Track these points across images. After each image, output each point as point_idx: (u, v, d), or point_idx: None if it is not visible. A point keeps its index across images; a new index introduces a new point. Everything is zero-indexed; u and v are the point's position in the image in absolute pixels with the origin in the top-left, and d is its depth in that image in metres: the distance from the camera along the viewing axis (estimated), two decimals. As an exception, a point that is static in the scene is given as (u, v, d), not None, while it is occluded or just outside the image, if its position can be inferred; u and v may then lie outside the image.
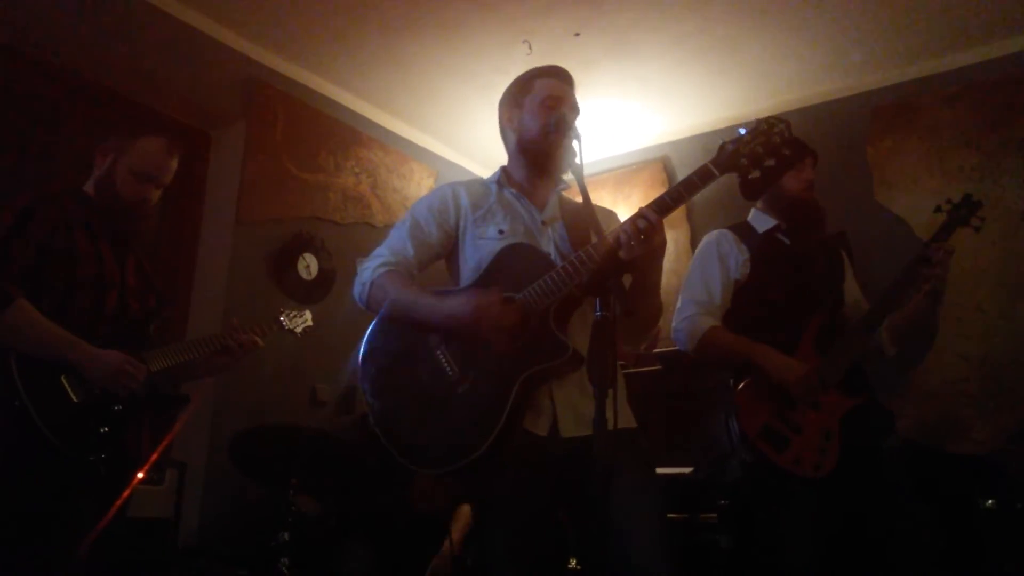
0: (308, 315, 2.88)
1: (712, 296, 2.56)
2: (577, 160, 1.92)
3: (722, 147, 1.78)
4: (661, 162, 5.03)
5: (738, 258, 2.59)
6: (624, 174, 5.16)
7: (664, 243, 1.78)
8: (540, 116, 2.06)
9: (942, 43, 4.06)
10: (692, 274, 2.64)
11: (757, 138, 1.77)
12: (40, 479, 2.01)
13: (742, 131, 1.77)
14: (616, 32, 4.02)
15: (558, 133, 1.99)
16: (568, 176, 2.08)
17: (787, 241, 2.62)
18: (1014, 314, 3.72)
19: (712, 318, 2.53)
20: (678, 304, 2.62)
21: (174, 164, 2.41)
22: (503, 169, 2.16)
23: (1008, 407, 3.60)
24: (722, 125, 4.82)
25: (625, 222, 1.77)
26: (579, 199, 1.89)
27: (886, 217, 4.13)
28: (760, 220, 2.68)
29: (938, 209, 2.55)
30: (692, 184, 1.79)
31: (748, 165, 1.76)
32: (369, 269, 2.01)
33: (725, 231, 2.66)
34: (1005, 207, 3.82)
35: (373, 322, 2.04)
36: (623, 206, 5.00)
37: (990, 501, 2.95)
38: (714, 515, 3.16)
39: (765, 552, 2.42)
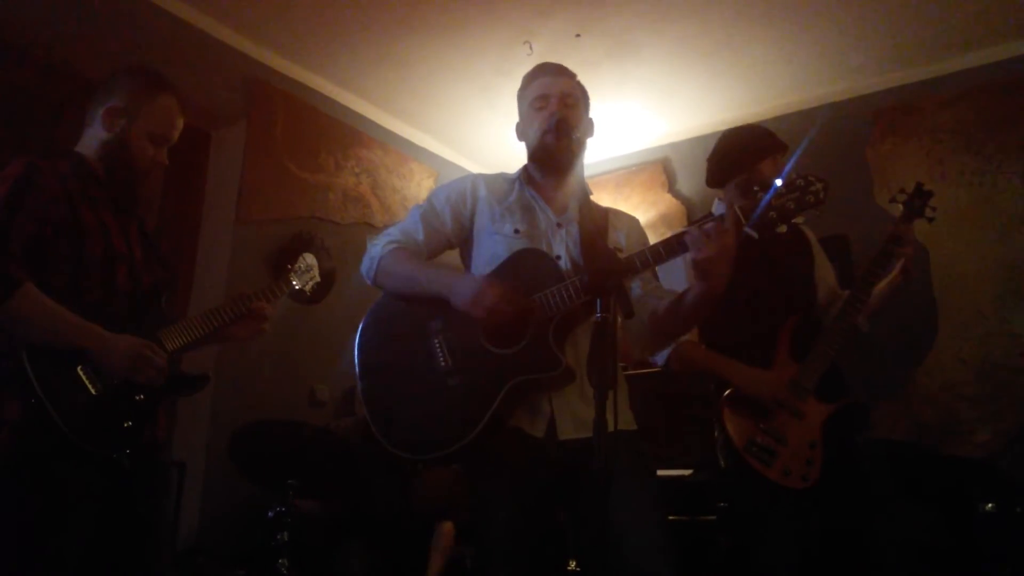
0: (315, 270, 2.60)
1: None
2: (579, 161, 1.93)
3: (755, 195, 1.73)
4: (661, 163, 5.04)
5: None
6: (624, 175, 5.17)
7: (733, 247, 1.70)
8: (534, 120, 2.08)
9: (942, 46, 4.07)
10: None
11: (791, 193, 1.70)
12: (60, 479, 1.86)
13: (777, 183, 1.71)
14: (617, 33, 4.03)
15: (554, 133, 1.99)
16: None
17: (755, 235, 2.55)
18: (1013, 317, 3.72)
19: None
20: None
21: (182, 122, 2.23)
22: (524, 168, 2.16)
23: (1007, 410, 3.60)
24: (723, 127, 4.78)
25: (691, 227, 1.75)
26: (603, 204, 1.89)
27: (886, 219, 4.12)
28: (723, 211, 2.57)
29: (892, 200, 2.61)
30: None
31: (777, 219, 1.70)
32: (379, 245, 2.04)
33: (688, 229, 2.55)
34: (1004, 210, 3.83)
35: (378, 298, 2.06)
36: (623, 207, 4.97)
37: (989, 504, 2.95)
38: (713, 517, 3.17)
39: (750, 557, 2.42)
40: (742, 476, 2.37)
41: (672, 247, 1.78)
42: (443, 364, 1.90)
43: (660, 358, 2.47)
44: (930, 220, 2.57)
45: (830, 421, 2.36)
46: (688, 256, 1.74)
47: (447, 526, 3.39)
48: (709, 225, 1.69)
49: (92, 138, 2.15)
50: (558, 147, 2.00)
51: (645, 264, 1.81)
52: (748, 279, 2.41)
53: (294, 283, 2.51)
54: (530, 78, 2.16)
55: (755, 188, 1.72)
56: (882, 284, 2.51)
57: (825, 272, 2.68)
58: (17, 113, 3.47)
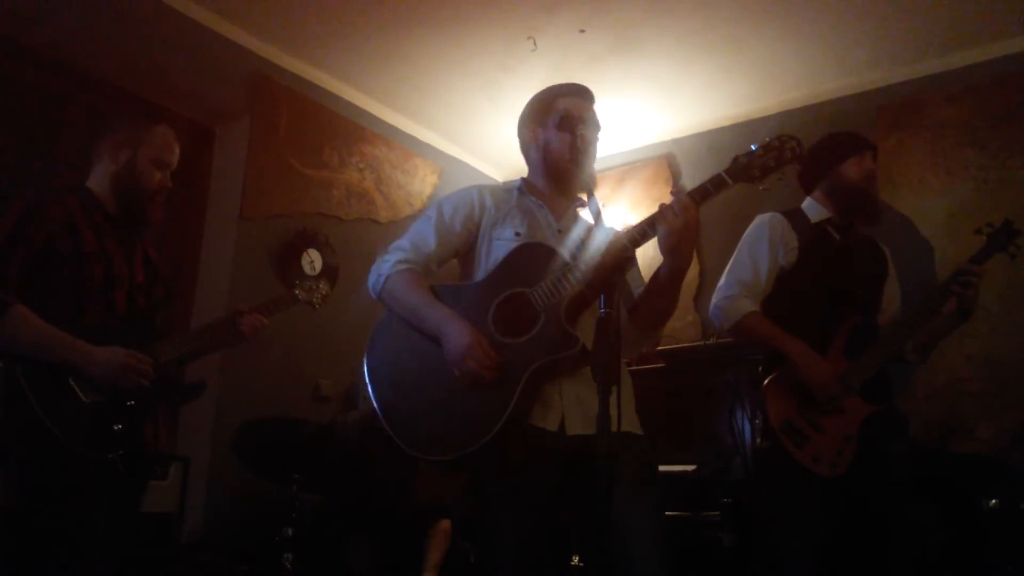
0: (325, 284, 2.78)
1: (758, 278, 2.55)
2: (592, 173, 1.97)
3: (735, 160, 1.83)
4: (665, 159, 5.03)
5: (788, 244, 2.57)
6: (628, 170, 5.16)
7: (697, 220, 1.81)
8: (565, 138, 2.08)
9: (947, 41, 4.05)
10: (740, 253, 2.62)
11: (769, 153, 1.82)
12: (60, 483, 2.01)
13: (754, 147, 1.83)
14: (621, 29, 4.02)
15: (585, 156, 2.03)
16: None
17: (836, 236, 2.60)
18: (1018, 313, 3.71)
19: (753, 301, 2.53)
20: (721, 281, 2.61)
21: (179, 149, 2.43)
22: (524, 180, 2.19)
23: (1012, 406, 3.59)
24: (726, 123, 4.82)
25: (662, 204, 1.83)
26: (605, 199, 1.93)
27: (890, 215, 4.12)
28: (813, 209, 2.66)
29: (978, 231, 2.58)
30: (705, 190, 1.83)
31: (759, 176, 1.81)
32: (388, 263, 2.03)
33: (778, 214, 2.64)
34: (1009, 205, 3.81)
35: (384, 311, 2.05)
36: (626, 202, 5.00)
37: (993, 501, 2.95)
38: (717, 513, 3.17)
39: (768, 544, 2.44)
40: (768, 458, 2.41)
41: (644, 231, 1.86)
42: None
43: (720, 321, 2.57)
44: (1013, 257, 2.56)
45: (869, 421, 2.39)
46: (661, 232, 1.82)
47: (444, 523, 3.41)
48: (673, 201, 1.80)
49: (101, 172, 2.34)
50: (580, 173, 2.06)
51: (635, 243, 1.86)
52: (822, 273, 2.54)
53: (299, 296, 2.69)
54: (565, 92, 2.15)
55: (736, 155, 1.84)
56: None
57: (894, 290, 2.72)
58: (20, 109, 3.48)
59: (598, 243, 1.93)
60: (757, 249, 2.59)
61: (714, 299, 2.60)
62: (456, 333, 1.86)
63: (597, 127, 2.12)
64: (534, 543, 1.84)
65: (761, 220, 2.65)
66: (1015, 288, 3.73)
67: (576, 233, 2.07)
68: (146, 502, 2.35)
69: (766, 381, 2.46)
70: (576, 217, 2.15)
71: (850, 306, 2.51)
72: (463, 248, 2.12)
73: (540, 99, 2.18)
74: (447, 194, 2.20)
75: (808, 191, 2.73)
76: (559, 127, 2.09)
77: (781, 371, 2.45)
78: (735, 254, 2.64)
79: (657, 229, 1.81)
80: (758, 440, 2.45)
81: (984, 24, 3.89)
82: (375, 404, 1.97)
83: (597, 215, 1.99)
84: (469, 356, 1.82)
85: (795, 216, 2.65)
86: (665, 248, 1.83)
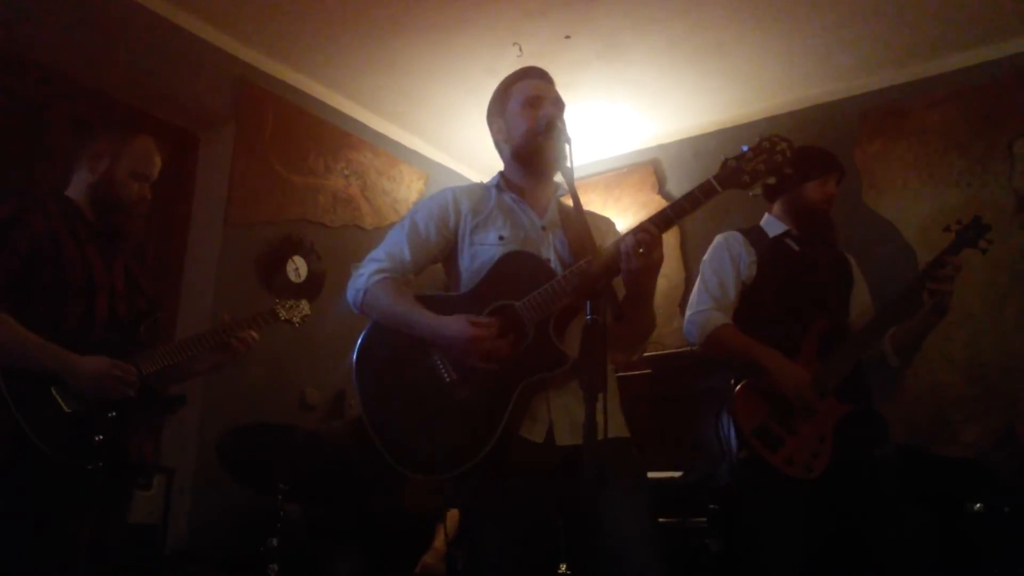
0: (305, 304, 2.75)
1: (726, 293, 2.60)
2: (568, 164, 1.92)
3: (725, 163, 1.80)
4: (651, 165, 5.04)
5: (746, 260, 2.62)
6: (614, 177, 5.17)
7: (662, 258, 1.80)
8: (525, 119, 2.06)
9: (931, 47, 4.08)
10: (705, 272, 2.67)
11: (759, 156, 1.78)
12: (39, 491, 1.99)
13: (745, 148, 1.79)
14: (606, 35, 4.03)
15: (546, 133, 1.98)
16: (559, 179, 2.08)
17: (796, 247, 2.65)
18: (1001, 317, 3.74)
19: (724, 315, 2.57)
20: (693, 297, 2.66)
21: (159, 161, 2.41)
22: (501, 175, 2.16)
23: (996, 410, 3.62)
24: (712, 128, 4.84)
25: (626, 235, 1.79)
26: (593, 207, 1.90)
27: (874, 220, 4.15)
28: (772, 225, 2.71)
29: (947, 228, 2.59)
30: (695, 198, 1.80)
31: (749, 182, 1.78)
32: (364, 275, 2.00)
33: (735, 233, 2.70)
34: (991, 210, 3.84)
35: (369, 324, 2.03)
36: (613, 209, 5.01)
37: (978, 504, 2.96)
38: (704, 519, 3.17)
39: (752, 552, 2.44)
40: (745, 465, 2.41)
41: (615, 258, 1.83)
42: (447, 379, 1.88)
43: (693, 336, 2.59)
44: (983, 251, 2.55)
45: (844, 420, 2.40)
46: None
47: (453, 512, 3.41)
48: (642, 235, 1.75)
49: (80, 181, 2.32)
50: (549, 147, 1.99)
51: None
52: (783, 283, 2.58)
53: (281, 315, 2.64)
54: (516, 79, 2.15)
55: (724, 157, 1.80)
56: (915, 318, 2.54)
57: (863, 295, 2.75)
58: (1, 116, 3.43)
59: (584, 240, 1.91)
60: (720, 266, 2.64)
61: (687, 316, 2.64)
62: (450, 322, 1.84)
63: (557, 104, 2.08)
64: (525, 554, 1.83)
65: (718, 240, 2.70)
66: (997, 292, 3.76)
67: (561, 231, 2.04)
68: (131, 513, 2.33)
69: (736, 390, 2.47)
70: (560, 211, 2.10)
71: (818, 311, 2.54)
72: (441, 255, 2.09)
73: (497, 91, 2.18)
74: (422, 201, 2.16)
75: (771, 201, 2.76)
76: (518, 111, 2.07)
77: (751, 379, 2.45)
78: (699, 276, 2.69)
79: (621, 263, 1.78)
80: (736, 452, 2.45)
81: (967, 30, 3.93)
82: (365, 417, 1.94)
83: (576, 202, 1.94)
84: (473, 337, 1.79)
85: (752, 233, 2.70)
86: (626, 280, 1.83)
